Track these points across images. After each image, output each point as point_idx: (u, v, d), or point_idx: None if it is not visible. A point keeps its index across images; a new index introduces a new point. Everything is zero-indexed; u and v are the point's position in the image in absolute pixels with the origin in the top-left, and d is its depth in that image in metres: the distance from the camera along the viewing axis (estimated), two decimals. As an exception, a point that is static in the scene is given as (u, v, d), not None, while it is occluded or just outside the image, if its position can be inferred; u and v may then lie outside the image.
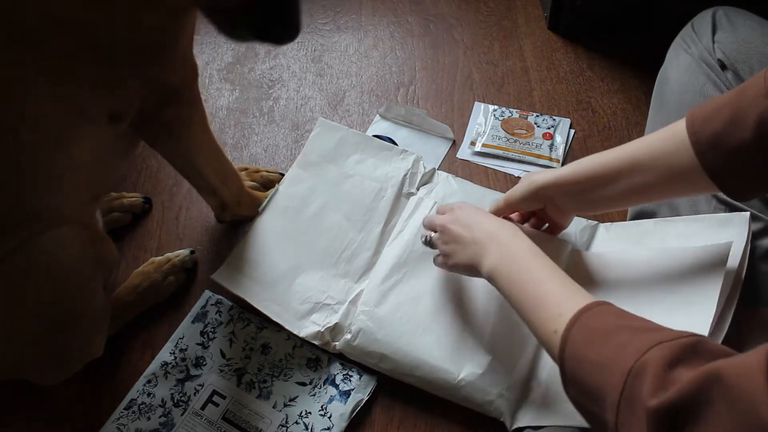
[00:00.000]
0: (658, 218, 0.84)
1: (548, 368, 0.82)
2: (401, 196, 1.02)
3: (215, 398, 0.88)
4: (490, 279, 0.71)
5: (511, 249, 0.70)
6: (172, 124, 0.79)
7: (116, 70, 0.66)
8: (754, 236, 0.79)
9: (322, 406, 0.87)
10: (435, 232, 0.83)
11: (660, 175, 0.66)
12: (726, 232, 0.74)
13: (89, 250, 0.78)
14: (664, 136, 0.65)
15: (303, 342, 0.91)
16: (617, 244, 0.89)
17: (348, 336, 0.89)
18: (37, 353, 0.78)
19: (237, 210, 1.01)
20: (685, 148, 0.62)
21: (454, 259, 0.78)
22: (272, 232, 1.00)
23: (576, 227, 0.92)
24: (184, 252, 1.01)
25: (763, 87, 0.57)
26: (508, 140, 1.14)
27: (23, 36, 0.57)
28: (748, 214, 0.73)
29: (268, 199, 1.03)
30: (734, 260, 0.71)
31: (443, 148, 1.15)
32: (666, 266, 0.78)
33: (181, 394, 0.89)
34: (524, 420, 0.81)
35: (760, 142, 0.57)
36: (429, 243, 0.84)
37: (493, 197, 1.02)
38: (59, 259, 0.73)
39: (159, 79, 0.72)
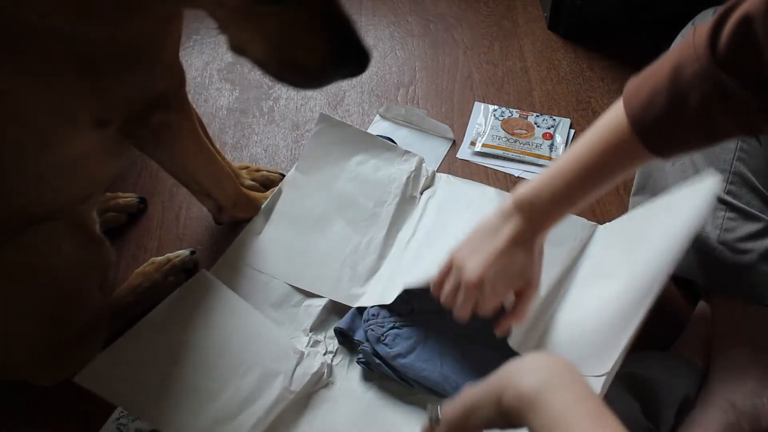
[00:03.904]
0: (646, 203, 0.86)
1: None
2: (405, 200, 1.02)
3: (215, 398, 0.88)
4: None
5: None
6: (160, 130, 0.79)
7: (99, 77, 0.66)
8: (755, 236, 0.80)
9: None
10: None
11: (615, 173, 0.67)
12: (700, 193, 0.73)
13: (83, 251, 0.78)
14: (608, 134, 0.65)
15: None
16: (614, 240, 0.89)
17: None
18: (33, 353, 0.78)
19: (233, 212, 1.01)
20: (629, 135, 0.63)
21: None
22: (274, 240, 0.99)
23: (574, 227, 0.93)
24: (184, 252, 1.01)
25: (698, 66, 0.57)
26: (508, 140, 1.14)
27: (4, 41, 0.58)
28: (717, 180, 0.72)
29: (268, 200, 1.03)
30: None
31: (443, 148, 1.15)
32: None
33: (181, 395, 0.88)
34: None
35: (702, 119, 0.58)
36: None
37: (492, 195, 1.01)
38: (51, 258, 0.74)
39: (143, 85, 0.72)
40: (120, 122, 0.73)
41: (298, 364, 0.86)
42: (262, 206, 1.02)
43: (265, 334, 0.88)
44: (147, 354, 0.84)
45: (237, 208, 1.00)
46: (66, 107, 0.66)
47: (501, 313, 0.75)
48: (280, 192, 1.04)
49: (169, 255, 1.00)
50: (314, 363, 0.86)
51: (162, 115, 0.77)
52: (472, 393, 0.53)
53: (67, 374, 0.84)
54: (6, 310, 0.72)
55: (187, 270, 1.00)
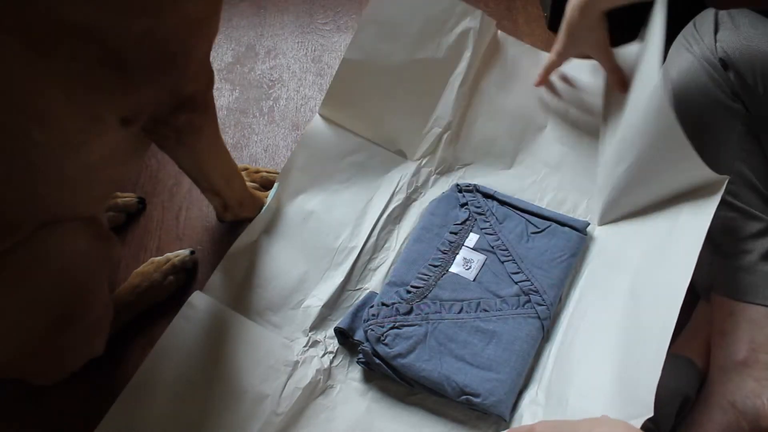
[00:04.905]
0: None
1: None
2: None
3: (215, 398, 0.88)
4: None
5: None
6: (184, 130, 0.79)
7: (130, 76, 0.66)
8: (755, 236, 0.80)
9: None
10: None
11: None
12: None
13: (95, 247, 0.78)
14: None
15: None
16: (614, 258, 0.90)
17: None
18: (38, 350, 0.77)
19: (239, 211, 1.01)
20: None
21: None
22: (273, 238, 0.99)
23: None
24: (184, 252, 1.01)
25: None
26: (508, 140, 1.14)
27: (36, 40, 0.57)
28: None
29: (269, 199, 1.03)
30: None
31: (443, 148, 1.15)
32: None
33: (181, 395, 0.88)
34: None
35: None
36: None
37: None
38: (65, 254, 0.73)
39: (174, 86, 0.72)
40: (145, 121, 0.73)
41: (289, 377, 0.85)
42: (264, 206, 1.02)
43: (255, 352, 0.87)
44: (147, 414, 0.84)
45: (243, 207, 1.01)
46: (94, 107, 0.65)
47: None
48: (276, 193, 1.04)
49: (169, 255, 1.01)
50: (308, 372, 0.86)
51: (188, 116, 0.77)
52: None
53: (68, 373, 0.84)
54: (17, 306, 0.72)
55: (186, 269, 1.00)
